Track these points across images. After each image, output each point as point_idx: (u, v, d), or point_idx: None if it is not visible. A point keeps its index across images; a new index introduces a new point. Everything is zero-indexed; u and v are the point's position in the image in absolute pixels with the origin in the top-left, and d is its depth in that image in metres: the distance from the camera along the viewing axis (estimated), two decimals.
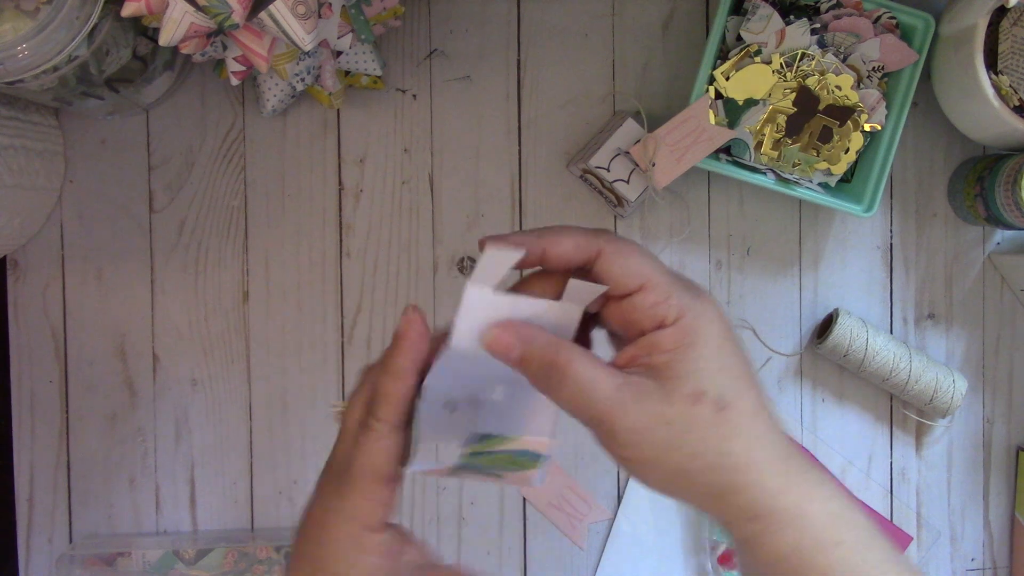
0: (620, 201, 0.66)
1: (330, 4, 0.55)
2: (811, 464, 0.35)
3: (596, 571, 0.70)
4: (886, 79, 0.64)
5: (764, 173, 0.65)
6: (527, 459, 0.35)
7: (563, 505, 0.70)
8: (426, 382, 0.34)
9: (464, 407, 0.37)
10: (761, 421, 0.34)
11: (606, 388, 0.33)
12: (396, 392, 0.35)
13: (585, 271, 0.35)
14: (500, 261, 0.33)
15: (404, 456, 0.35)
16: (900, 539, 0.71)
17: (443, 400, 0.35)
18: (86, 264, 0.68)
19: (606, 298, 0.35)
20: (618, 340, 0.37)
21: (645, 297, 0.34)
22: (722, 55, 0.64)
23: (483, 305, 0.33)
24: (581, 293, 0.34)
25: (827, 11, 0.63)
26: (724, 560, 0.69)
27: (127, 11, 0.49)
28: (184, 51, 0.52)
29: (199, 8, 0.48)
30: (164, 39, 0.50)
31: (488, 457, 0.35)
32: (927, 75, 0.67)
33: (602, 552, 0.70)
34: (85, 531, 0.69)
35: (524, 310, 0.34)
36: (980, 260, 0.72)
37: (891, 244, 0.71)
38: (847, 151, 0.64)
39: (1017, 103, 0.61)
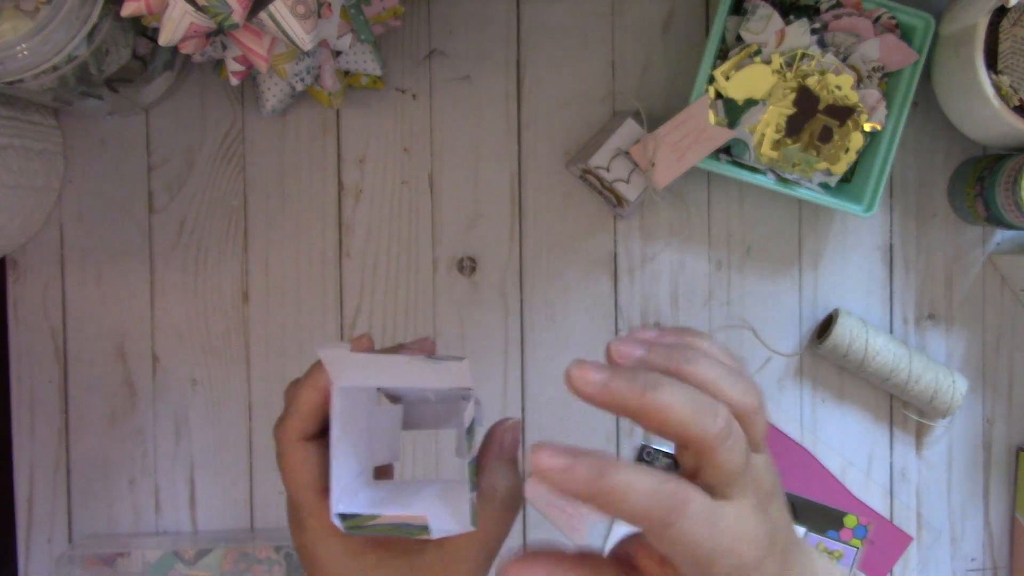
0: (620, 201, 0.66)
1: (330, 4, 0.55)
2: None
3: None
4: (886, 79, 0.64)
5: (764, 173, 0.65)
6: (413, 529, 0.34)
7: (563, 505, 0.70)
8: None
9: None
10: None
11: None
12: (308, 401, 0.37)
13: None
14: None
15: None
16: (900, 539, 0.71)
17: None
18: (86, 264, 0.68)
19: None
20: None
21: None
22: (722, 55, 0.64)
23: (346, 362, 0.34)
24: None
25: (827, 11, 0.63)
26: None
27: (127, 11, 0.49)
28: (184, 51, 0.52)
29: (199, 8, 0.48)
30: (164, 39, 0.50)
31: (371, 528, 0.34)
32: (927, 75, 0.67)
33: (602, 552, 0.70)
34: (85, 531, 0.69)
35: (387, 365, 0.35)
36: (980, 260, 0.72)
37: (891, 244, 0.71)
38: (847, 151, 0.64)
39: (1017, 103, 0.61)
